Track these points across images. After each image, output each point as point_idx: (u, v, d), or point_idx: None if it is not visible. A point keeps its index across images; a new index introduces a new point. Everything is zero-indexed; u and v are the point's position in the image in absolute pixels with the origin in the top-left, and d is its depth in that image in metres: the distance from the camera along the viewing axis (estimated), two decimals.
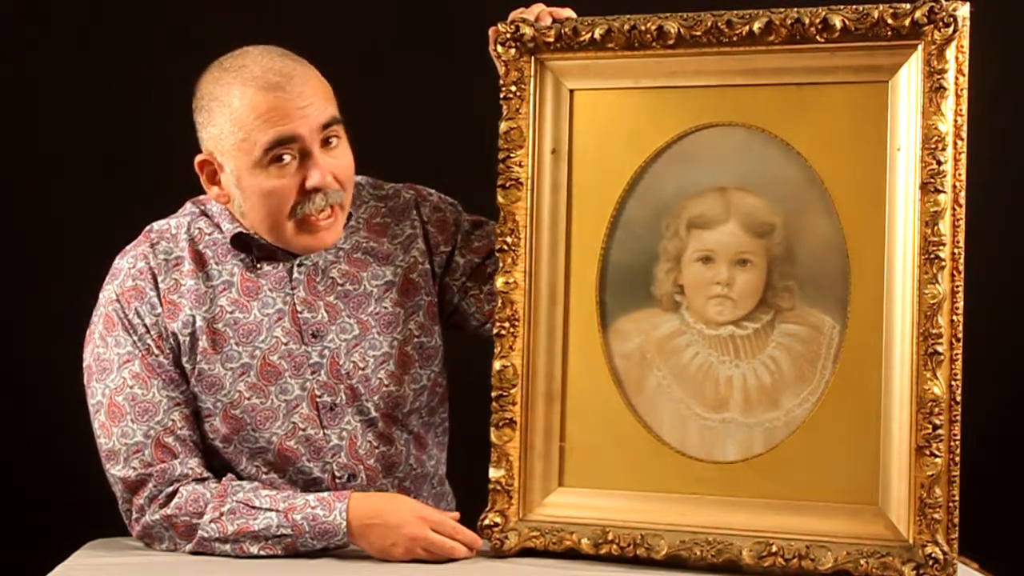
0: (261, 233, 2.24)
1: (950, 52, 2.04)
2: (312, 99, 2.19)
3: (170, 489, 2.19)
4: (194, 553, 2.18)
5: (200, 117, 2.23)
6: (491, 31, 2.23)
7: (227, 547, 2.16)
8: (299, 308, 2.27)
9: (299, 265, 2.28)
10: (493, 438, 2.19)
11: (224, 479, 2.21)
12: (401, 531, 2.13)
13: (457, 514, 2.20)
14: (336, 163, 2.21)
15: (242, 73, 2.19)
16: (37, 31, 3.22)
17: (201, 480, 2.21)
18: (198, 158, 2.25)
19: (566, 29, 2.18)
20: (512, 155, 2.21)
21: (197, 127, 2.25)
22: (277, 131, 2.16)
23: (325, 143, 2.20)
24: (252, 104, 2.17)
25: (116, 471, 2.21)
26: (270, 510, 2.16)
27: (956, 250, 2.04)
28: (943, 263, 2.03)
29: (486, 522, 2.18)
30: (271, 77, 2.18)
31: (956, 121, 2.04)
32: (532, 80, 2.21)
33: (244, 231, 2.26)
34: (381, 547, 2.14)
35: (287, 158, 2.18)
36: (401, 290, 2.32)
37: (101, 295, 2.28)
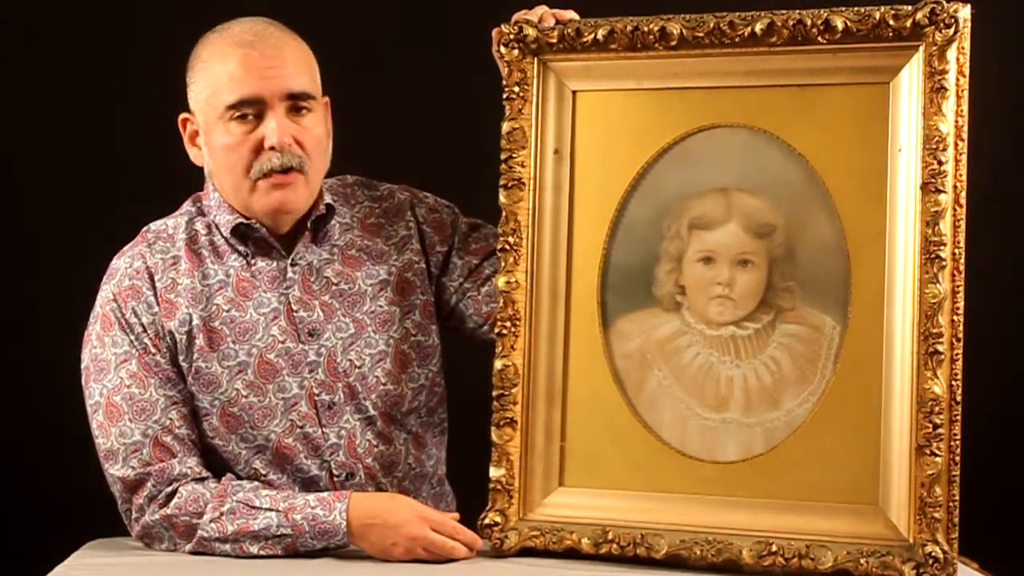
0: (231, 198, 2.25)
1: (951, 53, 2.04)
2: (283, 63, 2.21)
3: (169, 489, 2.19)
4: (194, 553, 2.18)
5: (187, 78, 2.27)
6: (494, 32, 2.23)
7: (227, 547, 2.16)
8: (295, 307, 2.27)
9: (293, 264, 2.28)
10: (494, 437, 2.20)
11: (224, 478, 2.21)
12: (401, 531, 2.13)
13: (457, 514, 2.20)
14: (301, 129, 2.22)
15: (224, 34, 2.24)
16: (38, 31, 3.22)
17: (200, 479, 2.21)
18: (180, 116, 2.28)
19: (569, 30, 2.19)
20: (514, 155, 2.21)
21: (187, 91, 2.29)
22: (240, 90, 2.19)
23: (294, 110, 2.22)
24: (222, 60, 2.21)
25: (115, 471, 2.20)
26: (270, 510, 2.16)
27: (957, 250, 2.04)
28: (944, 263, 2.03)
29: (486, 521, 2.19)
30: (246, 36, 2.22)
31: (957, 122, 2.04)
32: (535, 81, 2.21)
33: (243, 221, 2.26)
34: (381, 547, 2.14)
35: (248, 116, 2.20)
36: (396, 289, 2.32)
37: (98, 295, 2.28)
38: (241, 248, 2.28)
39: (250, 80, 2.19)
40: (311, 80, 2.25)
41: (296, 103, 2.22)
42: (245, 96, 2.20)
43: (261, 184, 2.22)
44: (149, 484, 2.19)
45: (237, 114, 2.20)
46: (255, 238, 2.28)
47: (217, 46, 2.23)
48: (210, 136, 2.23)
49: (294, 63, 2.23)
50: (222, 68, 2.21)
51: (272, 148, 2.20)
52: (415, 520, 2.14)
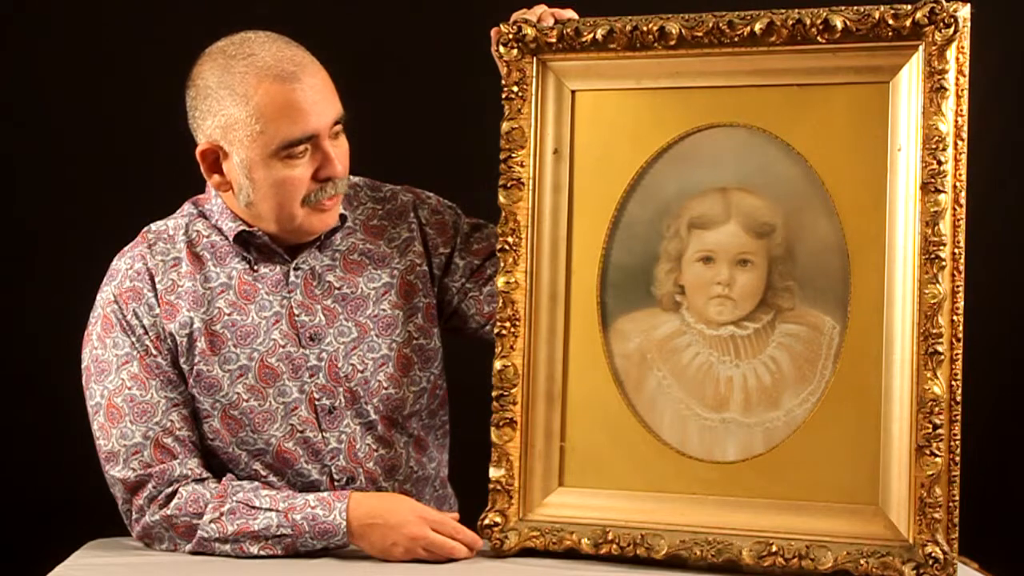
0: (267, 221, 2.25)
1: (951, 53, 2.04)
2: (324, 92, 2.20)
3: (170, 490, 2.19)
4: (194, 553, 2.18)
5: (204, 105, 2.22)
6: (493, 32, 2.23)
7: (227, 547, 2.16)
8: (296, 311, 2.27)
9: (295, 269, 2.28)
10: (493, 438, 2.20)
11: (224, 479, 2.21)
12: (401, 531, 2.13)
13: (457, 514, 2.20)
14: (340, 152, 2.23)
15: (254, 62, 2.19)
16: (38, 31, 3.22)
17: (201, 480, 2.21)
18: (201, 147, 2.24)
19: (568, 30, 2.19)
20: (514, 155, 2.21)
21: (196, 114, 2.24)
22: (301, 129, 2.17)
23: (334, 135, 2.22)
24: (271, 96, 2.17)
25: (115, 472, 2.20)
26: (270, 510, 2.16)
27: (956, 250, 2.04)
28: (943, 263, 2.03)
29: (486, 522, 2.18)
30: (286, 67, 2.18)
31: (956, 121, 2.04)
32: (534, 80, 2.21)
33: (246, 229, 2.26)
34: (381, 547, 2.14)
35: (301, 150, 2.19)
36: (399, 292, 2.32)
37: (99, 296, 2.28)
38: (245, 253, 2.28)
39: (307, 118, 2.17)
40: (337, 97, 2.24)
41: (335, 128, 2.22)
42: (307, 134, 2.18)
43: (312, 209, 2.22)
44: (150, 485, 2.19)
45: (293, 151, 2.18)
46: (258, 244, 2.28)
47: (253, 79, 2.17)
48: (256, 170, 2.20)
49: (330, 88, 2.22)
50: (271, 105, 2.17)
51: (328, 179, 2.21)
52: (415, 520, 2.14)
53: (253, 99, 2.17)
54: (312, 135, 2.18)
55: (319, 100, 2.19)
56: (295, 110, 2.17)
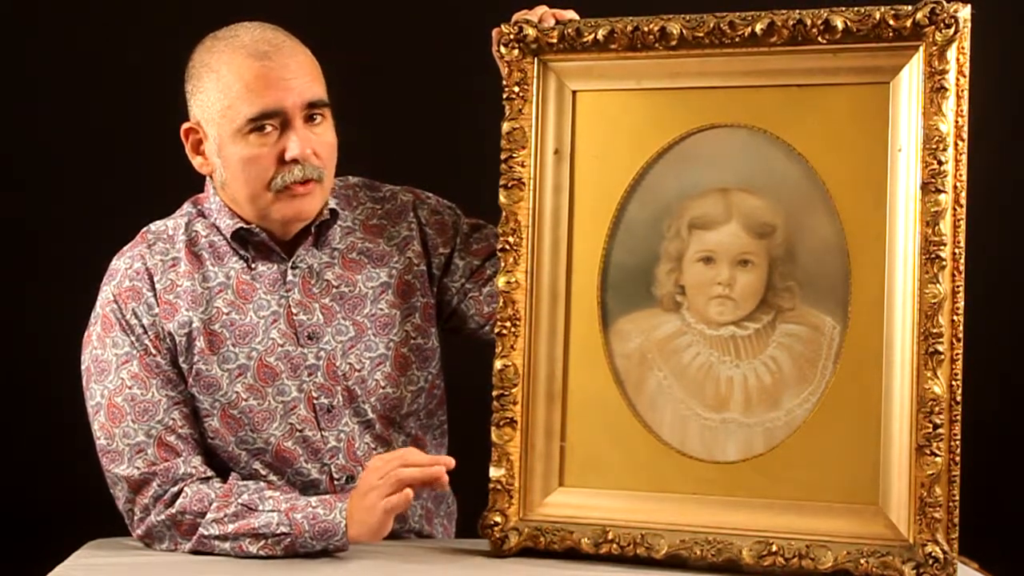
0: (243, 206, 2.25)
1: (951, 53, 2.04)
2: (298, 73, 2.20)
3: (175, 488, 2.18)
4: (194, 552, 2.17)
5: (189, 85, 2.25)
6: (494, 32, 2.23)
7: (227, 545, 2.16)
8: (294, 310, 2.27)
9: (293, 267, 2.28)
10: (494, 437, 2.20)
11: (230, 479, 2.21)
12: (371, 494, 2.09)
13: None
14: (317, 139, 2.22)
15: (233, 42, 2.21)
16: (38, 30, 3.22)
17: (206, 479, 2.20)
18: (184, 126, 2.26)
19: (569, 30, 2.19)
20: (515, 155, 2.21)
21: (187, 96, 2.26)
22: (262, 102, 2.18)
23: (309, 119, 2.22)
24: (239, 72, 2.19)
25: (119, 470, 2.20)
26: (272, 511, 2.15)
27: (957, 250, 2.04)
28: (944, 263, 2.03)
29: (486, 522, 2.18)
30: (261, 46, 2.20)
31: (957, 122, 2.04)
32: (535, 81, 2.21)
33: (243, 226, 2.26)
34: (366, 520, 2.10)
35: (268, 128, 2.19)
36: (397, 292, 2.32)
37: (99, 296, 2.28)
38: (242, 252, 2.28)
39: (271, 92, 2.18)
40: (323, 87, 2.25)
41: (312, 112, 2.21)
42: (268, 109, 2.18)
43: (281, 195, 2.21)
44: (155, 484, 2.19)
45: (257, 126, 2.19)
46: (255, 242, 2.28)
47: (228, 56, 2.20)
48: (225, 148, 2.22)
49: (309, 72, 2.22)
50: (238, 80, 2.19)
51: (294, 160, 2.19)
52: (374, 477, 2.10)
53: (223, 75, 2.20)
54: (276, 111, 2.18)
55: (290, 79, 2.19)
56: (260, 84, 2.18)
